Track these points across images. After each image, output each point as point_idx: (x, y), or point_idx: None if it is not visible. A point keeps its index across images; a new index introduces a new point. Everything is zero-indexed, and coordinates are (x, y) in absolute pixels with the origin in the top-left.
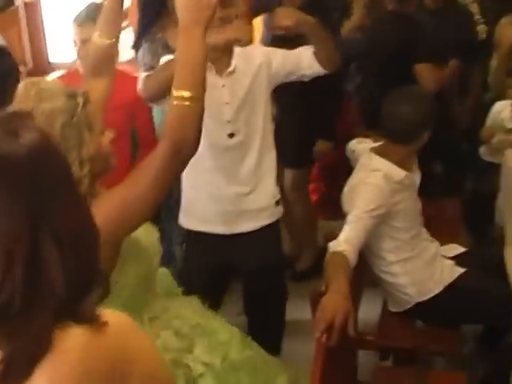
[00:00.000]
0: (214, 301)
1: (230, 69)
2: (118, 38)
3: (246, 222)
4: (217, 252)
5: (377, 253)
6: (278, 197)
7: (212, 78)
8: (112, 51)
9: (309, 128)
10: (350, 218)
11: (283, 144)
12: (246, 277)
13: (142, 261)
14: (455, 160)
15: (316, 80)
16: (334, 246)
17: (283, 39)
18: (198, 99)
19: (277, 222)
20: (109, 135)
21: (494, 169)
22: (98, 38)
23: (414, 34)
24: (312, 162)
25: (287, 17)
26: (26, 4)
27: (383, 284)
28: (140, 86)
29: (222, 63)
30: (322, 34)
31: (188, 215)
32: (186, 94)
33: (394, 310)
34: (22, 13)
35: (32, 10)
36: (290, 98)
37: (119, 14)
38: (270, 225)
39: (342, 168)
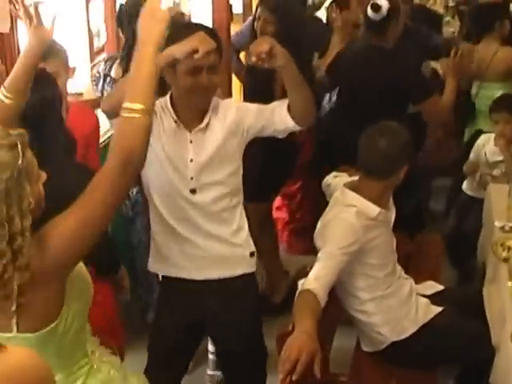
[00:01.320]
0: (181, 364)
1: (202, 126)
2: (21, 100)
3: (218, 269)
4: (190, 299)
5: (350, 291)
6: (252, 249)
7: (180, 132)
8: (12, 112)
9: (268, 163)
10: (321, 254)
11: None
12: (218, 332)
13: (83, 294)
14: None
15: None
16: (303, 284)
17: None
18: (148, 112)
19: (253, 274)
20: (43, 178)
21: (477, 204)
22: (2, 94)
23: (405, 72)
24: (272, 196)
25: (264, 42)
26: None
27: (357, 323)
28: (101, 103)
29: (194, 118)
30: (297, 74)
31: (158, 260)
32: (137, 106)
33: (367, 349)
34: None
35: (7, 41)
36: None
37: (29, 79)
38: (245, 275)
39: (309, 201)
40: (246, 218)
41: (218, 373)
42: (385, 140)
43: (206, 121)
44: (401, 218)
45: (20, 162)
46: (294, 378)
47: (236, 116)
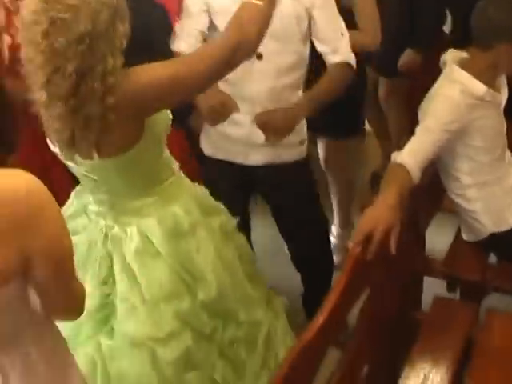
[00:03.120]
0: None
1: None
2: None
3: (265, 155)
4: (239, 181)
5: (452, 173)
6: (303, 137)
7: None
8: None
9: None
10: (419, 129)
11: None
12: (272, 209)
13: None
14: None
15: None
16: (396, 157)
17: None
18: (271, 2)
19: (304, 160)
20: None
21: None
22: None
23: None
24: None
25: None
26: None
27: (457, 208)
28: None
29: None
30: None
31: (207, 140)
32: None
33: (467, 238)
34: None
35: None
36: None
37: None
38: (297, 162)
39: None
40: None
41: None
42: (498, 7)
43: None
44: None
45: (115, 1)
46: (368, 257)
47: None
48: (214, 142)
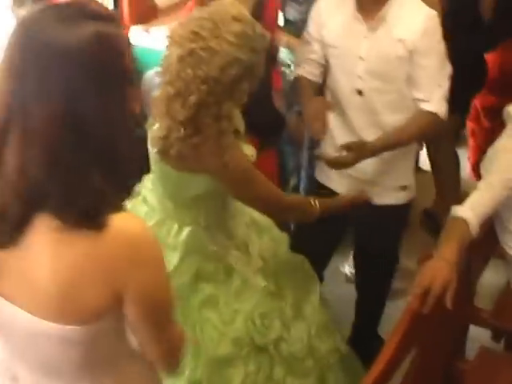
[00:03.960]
0: (324, 254)
1: (376, 23)
2: None
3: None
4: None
5: (508, 228)
6: (406, 183)
7: (356, 26)
8: None
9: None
10: (481, 183)
11: None
12: (359, 236)
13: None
14: None
15: None
16: (456, 210)
17: None
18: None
19: (403, 205)
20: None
21: None
22: None
23: None
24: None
25: None
26: None
27: (508, 260)
28: None
29: (372, 12)
30: None
31: (319, 167)
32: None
33: None
34: None
35: None
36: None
37: None
38: (394, 206)
39: None
40: (410, 151)
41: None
42: None
43: (384, 16)
44: None
45: (252, 61)
46: (424, 310)
47: (419, 35)
48: (323, 170)
